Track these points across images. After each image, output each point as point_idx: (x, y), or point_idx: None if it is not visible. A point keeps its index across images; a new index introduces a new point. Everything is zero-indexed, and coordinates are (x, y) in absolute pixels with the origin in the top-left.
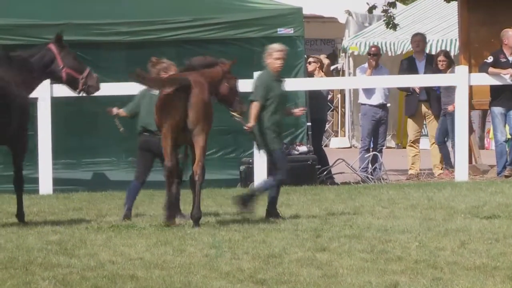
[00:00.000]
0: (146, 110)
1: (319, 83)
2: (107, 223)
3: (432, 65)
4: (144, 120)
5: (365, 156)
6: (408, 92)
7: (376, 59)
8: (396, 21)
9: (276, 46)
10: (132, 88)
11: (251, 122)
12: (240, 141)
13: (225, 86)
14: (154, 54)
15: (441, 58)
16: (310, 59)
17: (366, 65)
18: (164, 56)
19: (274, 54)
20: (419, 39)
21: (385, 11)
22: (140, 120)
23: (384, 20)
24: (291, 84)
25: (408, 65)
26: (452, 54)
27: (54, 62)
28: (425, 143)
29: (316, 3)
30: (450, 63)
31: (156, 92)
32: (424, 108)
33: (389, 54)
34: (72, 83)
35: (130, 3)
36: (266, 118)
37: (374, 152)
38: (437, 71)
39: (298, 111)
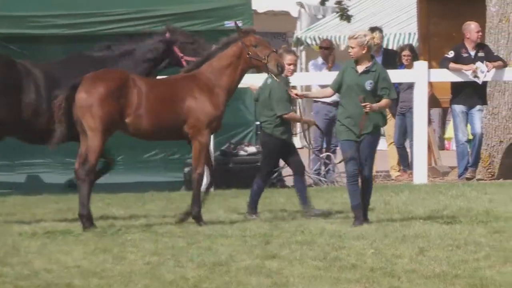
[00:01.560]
0: (261, 103)
1: None
2: (42, 229)
3: (389, 60)
4: (259, 113)
5: (318, 157)
6: None
7: (328, 53)
8: (352, 14)
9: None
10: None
11: (299, 93)
12: (185, 141)
13: (245, 57)
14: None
15: (405, 52)
16: None
17: (319, 60)
18: None
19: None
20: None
21: (338, 2)
22: (257, 114)
23: (337, 12)
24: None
25: None
26: None
27: (172, 53)
28: (381, 144)
29: None
30: (415, 58)
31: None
32: None
33: (342, 48)
34: None
35: None
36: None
37: (327, 153)
38: (397, 66)
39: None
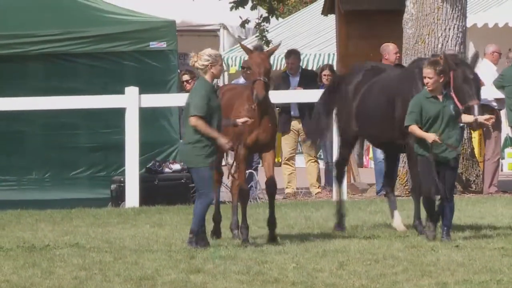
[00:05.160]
0: None
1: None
2: None
3: (307, 81)
4: None
5: None
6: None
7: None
8: (271, 36)
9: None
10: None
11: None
12: (111, 158)
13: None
14: (21, 68)
15: (326, 72)
16: (186, 77)
17: (240, 80)
18: (32, 71)
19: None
20: (292, 61)
21: (258, 24)
22: None
23: (256, 36)
24: (164, 100)
25: (281, 81)
26: None
27: None
28: (300, 161)
29: (191, 16)
30: None
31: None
32: (297, 125)
33: None
34: None
35: None
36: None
37: (249, 170)
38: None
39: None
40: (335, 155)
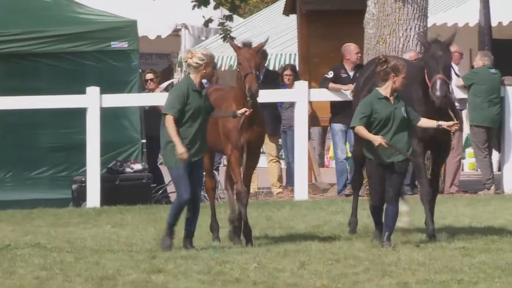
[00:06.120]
0: None
1: (154, 98)
2: None
3: (271, 81)
4: None
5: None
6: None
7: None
8: (233, 35)
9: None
10: None
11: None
12: (73, 158)
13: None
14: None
15: (287, 72)
16: (149, 76)
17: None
18: None
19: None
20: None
21: (221, 24)
22: None
23: (220, 34)
24: (126, 100)
25: None
26: None
27: None
28: (262, 161)
29: (151, 16)
30: (297, 78)
31: None
32: None
33: (224, 68)
34: None
35: None
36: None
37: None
38: (280, 86)
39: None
40: (297, 155)
